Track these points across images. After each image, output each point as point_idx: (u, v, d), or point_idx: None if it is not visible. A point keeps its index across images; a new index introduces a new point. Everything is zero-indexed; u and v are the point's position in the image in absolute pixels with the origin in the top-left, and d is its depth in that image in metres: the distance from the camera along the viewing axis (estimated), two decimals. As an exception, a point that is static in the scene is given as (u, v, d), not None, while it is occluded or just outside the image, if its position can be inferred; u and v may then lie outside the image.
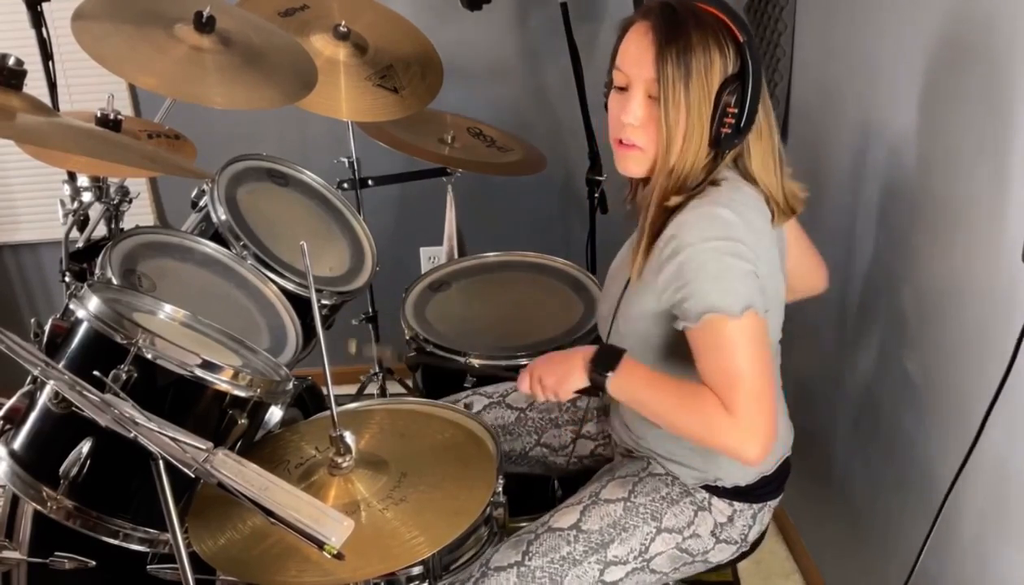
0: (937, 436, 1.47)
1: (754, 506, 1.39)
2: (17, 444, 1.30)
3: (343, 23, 2.02)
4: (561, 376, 1.29)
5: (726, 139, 1.20)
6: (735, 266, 1.17)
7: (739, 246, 1.18)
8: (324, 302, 1.83)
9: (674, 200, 1.22)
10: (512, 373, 1.74)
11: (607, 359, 1.25)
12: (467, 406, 1.59)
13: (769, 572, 2.13)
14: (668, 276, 1.20)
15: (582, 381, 1.27)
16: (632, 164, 1.26)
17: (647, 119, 1.21)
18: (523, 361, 1.78)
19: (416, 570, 1.29)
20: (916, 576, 1.37)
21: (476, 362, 1.78)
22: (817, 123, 1.94)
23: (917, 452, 1.54)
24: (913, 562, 1.33)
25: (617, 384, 1.24)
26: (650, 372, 1.25)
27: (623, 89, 1.24)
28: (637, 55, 1.20)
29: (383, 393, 2.51)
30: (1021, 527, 1.25)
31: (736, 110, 1.18)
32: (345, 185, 2.23)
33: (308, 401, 1.71)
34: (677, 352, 1.27)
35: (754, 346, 1.17)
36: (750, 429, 1.15)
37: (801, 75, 2.01)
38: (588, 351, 1.27)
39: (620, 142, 1.25)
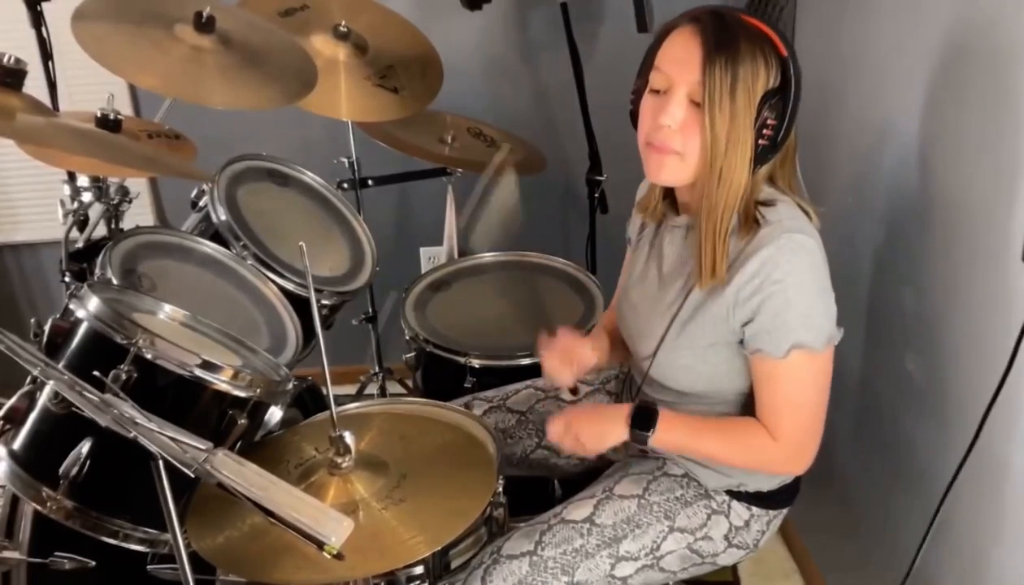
0: (937, 436, 1.47)
1: (770, 512, 1.40)
2: (17, 444, 1.30)
3: (343, 23, 2.03)
4: (600, 435, 1.31)
5: (762, 152, 1.19)
6: (821, 299, 1.21)
7: (822, 273, 1.21)
8: (324, 302, 1.84)
9: (733, 224, 1.21)
10: (512, 374, 1.75)
11: (644, 419, 1.28)
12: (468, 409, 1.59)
13: (769, 572, 2.13)
14: (749, 310, 1.20)
15: (619, 439, 1.30)
16: (667, 171, 1.22)
17: (687, 123, 1.18)
18: (523, 361, 1.78)
19: (417, 570, 1.29)
20: (914, 575, 1.37)
21: (476, 362, 1.79)
22: (818, 123, 1.94)
23: (917, 452, 1.54)
24: (910, 562, 1.34)
25: (658, 439, 1.28)
26: (688, 420, 1.30)
27: (659, 92, 1.21)
28: (683, 57, 1.17)
29: (383, 393, 2.51)
30: (1019, 526, 1.25)
31: (775, 124, 1.17)
32: (345, 185, 2.23)
33: (308, 401, 1.71)
34: (723, 375, 1.30)
35: (823, 378, 1.24)
36: (796, 451, 1.27)
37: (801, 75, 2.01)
38: (624, 410, 1.29)
39: (652, 146, 1.22)
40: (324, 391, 1.33)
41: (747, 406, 1.31)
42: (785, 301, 1.18)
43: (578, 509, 1.38)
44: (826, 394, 1.25)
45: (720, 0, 1.23)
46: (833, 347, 1.23)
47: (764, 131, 1.17)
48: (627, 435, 1.29)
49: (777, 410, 1.24)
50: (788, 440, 1.25)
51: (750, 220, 1.21)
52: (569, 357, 1.44)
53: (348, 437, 1.23)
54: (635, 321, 1.40)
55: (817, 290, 1.21)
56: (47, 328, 1.33)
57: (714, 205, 1.20)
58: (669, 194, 1.36)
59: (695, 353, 1.29)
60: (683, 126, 1.18)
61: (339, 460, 1.23)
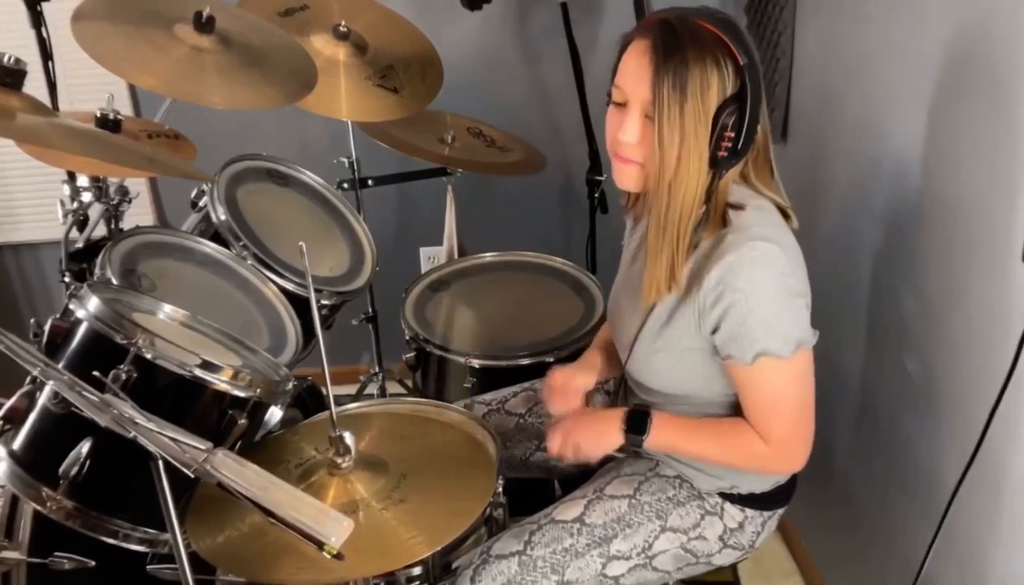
0: (937, 436, 1.47)
1: (764, 513, 1.40)
2: (17, 444, 1.30)
3: (343, 23, 2.02)
4: (596, 441, 1.32)
5: (723, 161, 1.17)
6: (787, 306, 1.20)
7: (789, 280, 1.19)
8: (324, 302, 1.84)
9: (701, 223, 1.21)
10: (512, 374, 1.76)
11: (638, 421, 1.29)
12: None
13: (769, 572, 2.13)
14: (715, 318, 1.20)
15: (617, 443, 1.31)
16: (628, 179, 1.24)
17: (643, 137, 1.19)
18: (523, 361, 1.78)
19: (416, 570, 1.29)
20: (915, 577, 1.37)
21: (476, 362, 1.79)
22: (817, 123, 1.94)
23: (917, 452, 1.54)
24: (918, 566, 1.33)
25: (652, 442, 1.29)
26: (681, 422, 1.31)
27: (621, 105, 1.21)
28: (635, 73, 1.17)
29: (383, 393, 2.51)
30: (1019, 527, 1.25)
31: (733, 134, 1.16)
32: (345, 185, 2.23)
33: (308, 401, 1.71)
34: (702, 378, 1.29)
35: (801, 383, 1.23)
36: (787, 453, 1.27)
37: (801, 76, 2.01)
38: (618, 415, 1.30)
39: (616, 155, 1.23)
40: (324, 391, 1.33)
41: (736, 407, 1.31)
42: (747, 309, 1.17)
43: (568, 509, 1.38)
44: (809, 395, 1.25)
45: (716, 4, 1.21)
46: (806, 351, 1.21)
47: (723, 143, 1.16)
48: (622, 439, 1.29)
49: (761, 414, 1.25)
50: (778, 442, 1.25)
51: (717, 220, 1.21)
52: (566, 393, 1.44)
53: (348, 437, 1.23)
54: (620, 323, 1.40)
55: (783, 297, 1.19)
56: (47, 328, 1.34)
57: (665, 221, 1.19)
58: None
59: (672, 356, 1.29)
60: (640, 140, 1.19)
61: (339, 460, 1.23)
